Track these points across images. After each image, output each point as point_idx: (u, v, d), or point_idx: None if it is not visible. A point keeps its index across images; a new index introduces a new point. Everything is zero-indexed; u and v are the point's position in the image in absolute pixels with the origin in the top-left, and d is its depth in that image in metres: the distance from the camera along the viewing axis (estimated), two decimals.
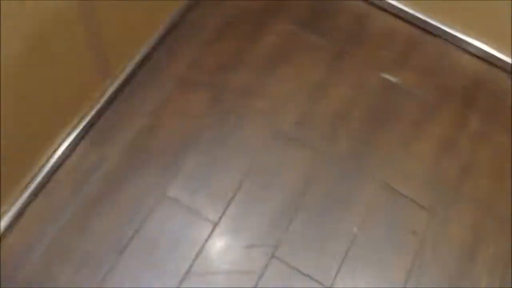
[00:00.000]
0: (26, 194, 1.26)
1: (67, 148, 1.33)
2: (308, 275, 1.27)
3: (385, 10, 1.64)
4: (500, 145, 1.47)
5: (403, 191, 1.38)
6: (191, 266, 1.25)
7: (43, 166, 1.29)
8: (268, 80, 1.50)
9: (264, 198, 1.35)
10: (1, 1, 0.84)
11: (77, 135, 1.34)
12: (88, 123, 1.36)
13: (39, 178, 1.28)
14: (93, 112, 1.37)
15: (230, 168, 1.38)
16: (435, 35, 1.62)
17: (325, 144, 1.43)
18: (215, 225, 1.31)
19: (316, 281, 1.26)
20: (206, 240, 1.29)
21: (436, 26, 1.61)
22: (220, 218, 1.32)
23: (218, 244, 1.29)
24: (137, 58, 1.45)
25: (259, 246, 1.29)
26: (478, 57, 1.59)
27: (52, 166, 1.30)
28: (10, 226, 1.24)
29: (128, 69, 1.43)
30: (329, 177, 1.39)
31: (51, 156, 1.30)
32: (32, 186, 1.27)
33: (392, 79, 1.54)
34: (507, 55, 1.56)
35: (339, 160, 1.41)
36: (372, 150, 1.43)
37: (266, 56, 1.53)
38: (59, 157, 1.31)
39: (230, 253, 1.28)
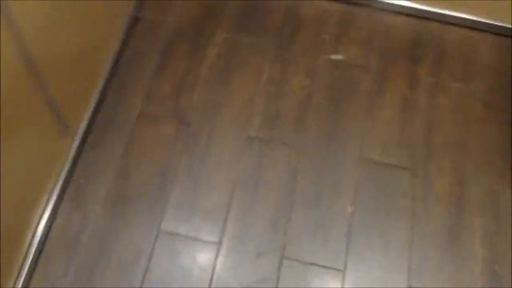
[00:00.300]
0: (24, 271, 1.21)
1: (49, 217, 1.29)
2: (320, 265, 1.30)
3: None
4: (455, 91, 1.55)
5: (381, 160, 1.44)
6: None
7: (31, 241, 1.25)
8: (225, 91, 1.51)
9: (257, 205, 1.37)
10: None
11: (55, 201, 1.31)
12: (62, 185, 1.32)
13: (31, 254, 1.24)
14: (64, 173, 1.33)
15: (216, 186, 1.38)
16: (363, 6, 1.68)
17: (297, 136, 1.46)
18: (218, 245, 1.31)
19: (330, 268, 1.30)
20: (215, 263, 1.29)
21: None
22: (221, 237, 1.32)
23: (227, 262, 1.30)
24: (91, 106, 1.42)
25: (266, 252, 1.31)
26: (407, 14, 1.67)
27: (40, 239, 1.26)
28: None
29: (85, 120, 1.40)
30: (311, 167, 1.42)
31: (36, 230, 1.26)
32: (27, 262, 1.23)
33: (338, 58, 1.59)
34: (432, 6, 1.65)
35: (314, 148, 1.45)
36: (341, 130, 1.48)
37: (215, 68, 1.54)
38: (44, 228, 1.28)
39: (242, 267, 1.30)
